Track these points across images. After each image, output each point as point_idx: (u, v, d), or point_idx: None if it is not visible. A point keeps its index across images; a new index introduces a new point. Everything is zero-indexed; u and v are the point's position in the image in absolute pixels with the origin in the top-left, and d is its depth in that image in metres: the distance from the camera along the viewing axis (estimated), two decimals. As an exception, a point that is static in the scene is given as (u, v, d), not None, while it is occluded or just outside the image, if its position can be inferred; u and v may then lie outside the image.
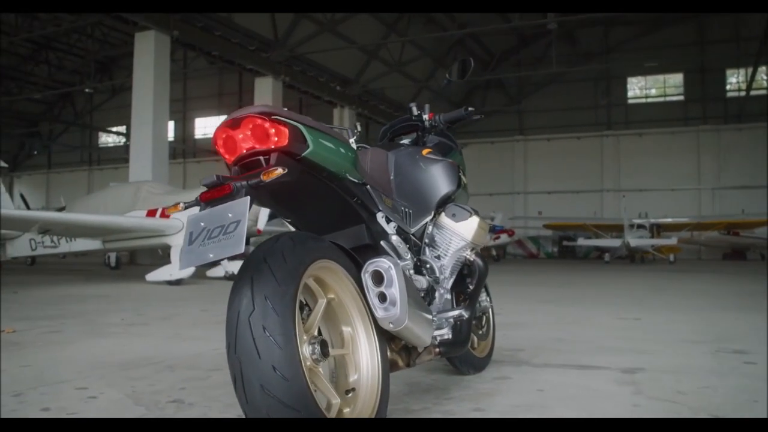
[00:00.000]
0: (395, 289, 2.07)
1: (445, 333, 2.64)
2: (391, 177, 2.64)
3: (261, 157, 1.92)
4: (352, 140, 2.93)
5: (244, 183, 1.80)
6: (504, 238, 25.37)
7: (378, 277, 2.10)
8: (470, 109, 3.01)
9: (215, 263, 1.72)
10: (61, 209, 12.92)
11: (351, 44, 24.92)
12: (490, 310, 3.52)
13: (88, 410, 2.64)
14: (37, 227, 10.52)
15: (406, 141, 3.20)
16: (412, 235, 2.61)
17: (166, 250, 11.84)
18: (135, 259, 19.44)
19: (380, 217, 2.32)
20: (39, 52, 30.44)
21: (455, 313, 2.60)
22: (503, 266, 20.51)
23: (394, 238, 2.29)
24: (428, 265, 2.72)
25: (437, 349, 2.62)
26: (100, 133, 38.77)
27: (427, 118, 3.13)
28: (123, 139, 35.60)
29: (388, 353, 2.34)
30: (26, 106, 35.26)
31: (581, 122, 32.70)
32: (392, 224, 2.38)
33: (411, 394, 2.92)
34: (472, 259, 2.85)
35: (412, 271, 2.38)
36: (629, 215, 23.43)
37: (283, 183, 1.96)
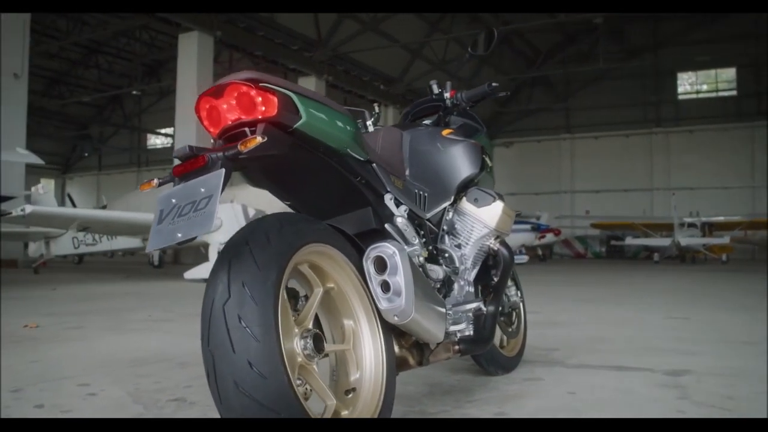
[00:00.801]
0: (400, 278, 1.85)
1: (465, 328, 2.41)
2: (405, 157, 2.41)
3: (247, 129, 1.71)
4: (369, 122, 2.73)
5: (219, 155, 1.59)
6: (550, 237, 24.82)
7: (381, 264, 1.88)
8: (494, 84, 2.76)
9: (188, 242, 1.51)
10: (103, 207, 13.02)
11: (394, 43, 24.74)
12: (521, 305, 3.26)
13: (83, 408, 2.48)
14: (76, 225, 10.57)
15: (427, 123, 2.96)
16: (428, 221, 2.38)
17: (208, 247, 11.81)
18: (179, 258, 19.58)
19: (388, 200, 2.09)
20: (89, 57, 31.01)
21: (473, 306, 2.35)
22: (548, 266, 20.05)
23: (400, 221, 2.06)
24: (446, 254, 2.49)
25: (456, 347, 2.39)
26: (149, 135, 39.36)
27: (448, 97, 2.89)
28: (171, 141, 36.06)
29: (397, 350, 2.11)
30: (77, 109, 35.99)
31: (629, 119, 31.89)
32: (403, 208, 2.15)
33: (430, 395, 2.68)
34: (496, 248, 2.60)
35: (423, 259, 2.15)
36: (679, 214, 22.69)
37: (275, 158, 1.76)
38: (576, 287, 10.08)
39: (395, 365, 2.05)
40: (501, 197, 2.63)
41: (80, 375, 3.08)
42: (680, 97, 32.02)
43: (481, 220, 2.56)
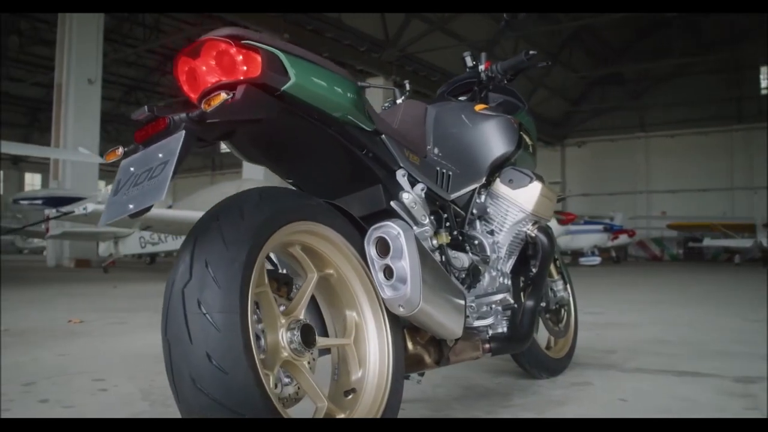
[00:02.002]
0: (405, 262, 1.60)
1: (496, 324, 2.14)
2: (428, 133, 2.16)
3: (224, 92, 1.49)
4: (400, 100, 2.50)
5: (183, 116, 1.38)
6: (623, 238, 23.92)
7: (383, 247, 1.64)
8: (531, 52, 2.47)
9: (142, 214, 1.31)
10: (169, 207, 13.19)
11: (462, 42, 24.37)
12: (570, 302, 2.96)
13: (87, 404, 2.33)
14: (139, 224, 10.67)
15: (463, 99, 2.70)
16: (453, 203, 2.12)
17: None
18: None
19: (401, 176, 1.85)
20: (164, 63, 31.83)
21: (498, 297, 2.08)
22: (621, 267, 19.27)
23: (407, 197, 1.80)
24: (476, 241, 2.22)
25: (487, 345, 2.12)
26: (221, 139, 40.02)
27: (483, 69, 2.62)
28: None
29: (410, 346, 1.87)
30: (153, 114, 36.95)
31: (707, 116, 30.44)
32: (419, 186, 1.90)
33: (463, 398, 2.42)
34: (534, 235, 2.32)
35: (439, 244, 1.89)
36: (762, 213, 21.48)
37: (264, 126, 1.56)
38: (646, 288, 9.54)
39: (405, 364, 1.81)
40: (540, 178, 2.34)
41: (100, 370, 2.95)
42: (764, 92, 30.39)
43: (517, 203, 2.29)
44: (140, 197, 1.30)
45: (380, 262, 1.63)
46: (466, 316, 1.93)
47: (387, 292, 1.63)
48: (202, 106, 1.35)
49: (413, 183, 1.90)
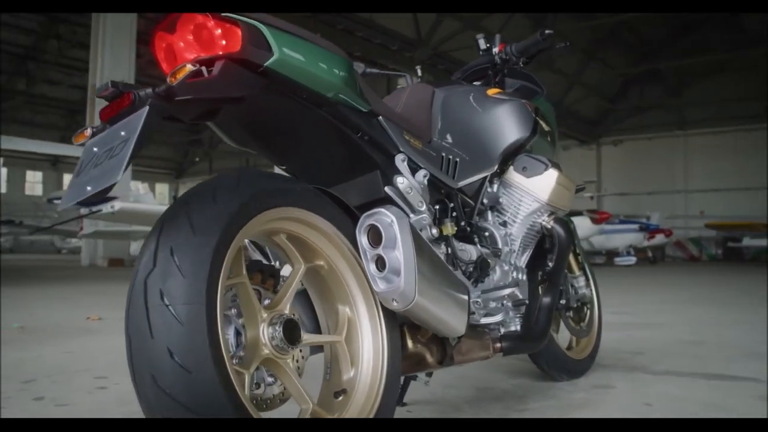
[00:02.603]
0: (399, 252, 1.47)
1: (507, 321, 2.00)
2: (434, 117, 2.03)
3: (204, 69, 1.38)
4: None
5: (148, 92, 1.27)
6: (660, 238, 23.35)
7: (376, 236, 1.50)
8: (547, 32, 2.30)
9: (102, 195, 1.19)
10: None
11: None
12: (594, 300, 2.79)
13: (82, 403, 2.25)
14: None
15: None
16: (460, 191, 1.98)
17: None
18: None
19: (400, 161, 1.72)
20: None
21: (505, 292, 1.93)
22: (657, 268, 18.79)
23: (401, 182, 1.66)
24: (486, 233, 2.08)
25: (498, 344, 1.98)
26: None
27: (497, 51, 2.47)
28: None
29: (411, 345, 1.73)
30: (188, 115, 37.32)
31: (748, 114, 29.59)
32: (421, 173, 1.77)
33: (475, 401, 2.28)
34: (549, 227, 2.17)
35: (435, 231, 1.75)
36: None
37: (248, 107, 1.45)
38: (682, 288, 9.23)
39: (404, 364, 1.68)
40: (556, 165, 2.19)
41: (103, 367, 2.87)
42: (808, 87, 29.46)
43: (531, 192, 2.14)
44: (99, 178, 1.19)
45: (372, 252, 1.50)
46: (472, 313, 1.80)
47: (380, 285, 1.50)
48: (168, 80, 1.24)
49: (414, 169, 1.77)
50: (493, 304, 1.92)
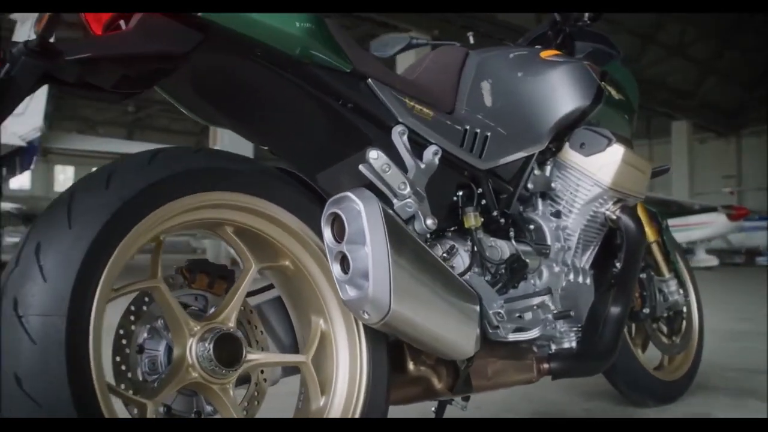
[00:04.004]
0: (367, 248, 1.11)
1: (558, 337, 1.60)
2: (464, 82, 1.64)
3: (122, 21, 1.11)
4: None
5: (20, 46, 0.99)
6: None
7: (340, 228, 1.16)
8: None
9: None
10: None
11: (620, 28, 22.82)
12: (692, 308, 2.30)
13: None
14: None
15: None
16: (491, 173, 1.58)
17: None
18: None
19: (397, 135, 1.36)
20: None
21: (536, 300, 1.49)
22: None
23: (375, 156, 1.28)
24: (531, 226, 1.67)
25: (545, 365, 1.57)
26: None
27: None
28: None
29: (412, 367, 1.36)
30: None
31: None
32: (431, 150, 1.40)
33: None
34: (615, 218, 1.73)
35: (430, 221, 1.34)
36: None
37: (192, 68, 1.18)
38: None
39: (400, 391, 1.33)
40: (624, 140, 1.75)
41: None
42: None
43: (589, 173, 1.71)
44: None
45: (335, 248, 1.15)
46: (495, 327, 1.40)
47: (346, 292, 1.15)
48: (34, 27, 0.97)
49: (423, 145, 1.40)
50: (529, 315, 1.51)
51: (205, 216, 1.15)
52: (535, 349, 1.60)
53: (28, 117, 6.83)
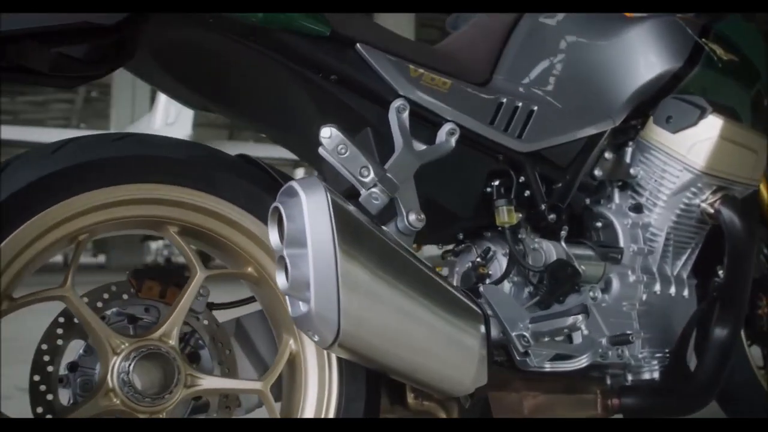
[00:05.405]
0: (309, 251, 0.87)
1: (638, 366, 1.26)
2: (510, 47, 1.33)
3: None
4: None
5: None
6: None
7: (282, 225, 0.93)
8: None
9: None
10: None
11: None
12: None
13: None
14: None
15: None
16: (537, 156, 1.26)
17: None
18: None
19: (395, 112, 1.10)
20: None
21: (568, 321, 1.12)
22: None
23: (326, 134, 1.00)
24: (598, 224, 1.34)
25: (616, 400, 1.24)
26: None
27: None
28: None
29: (411, 400, 1.09)
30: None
31: None
32: (447, 128, 1.13)
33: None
34: (712, 211, 1.34)
35: (413, 217, 1.04)
36: None
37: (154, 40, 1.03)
38: None
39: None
40: (726, 109, 1.35)
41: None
42: None
43: (677, 154, 1.33)
44: None
45: (277, 252, 0.92)
46: (524, 353, 1.10)
47: (291, 306, 0.92)
48: None
49: (435, 123, 1.14)
50: (578, 338, 1.17)
51: (139, 213, 0.98)
52: (605, 380, 1.27)
53: (179, 127, 7.21)
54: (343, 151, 0.99)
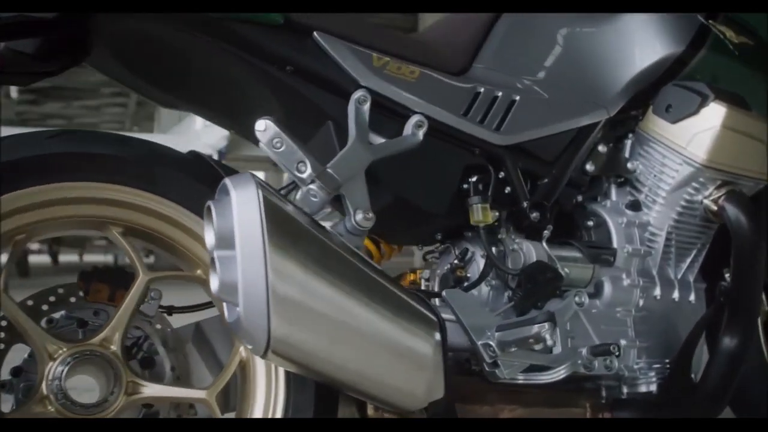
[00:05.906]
0: (237, 252, 0.82)
1: (630, 377, 1.17)
2: (495, 35, 1.25)
3: None
4: None
5: None
6: None
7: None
8: None
9: None
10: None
11: None
12: None
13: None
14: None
15: None
16: (518, 149, 1.18)
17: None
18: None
19: (355, 103, 1.03)
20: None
21: (532, 330, 1.02)
22: None
23: (262, 127, 0.93)
24: (589, 222, 1.25)
25: (606, 415, 1.16)
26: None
27: None
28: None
29: (373, 412, 1.02)
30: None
31: None
32: (414, 120, 1.06)
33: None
34: (715, 209, 1.23)
35: (360, 216, 0.96)
36: None
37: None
38: None
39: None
40: (730, 95, 1.24)
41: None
42: None
43: (676, 146, 1.22)
44: None
45: (210, 253, 0.87)
46: (492, 364, 1.01)
47: (227, 312, 0.87)
48: None
49: (402, 114, 1.07)
50: (557, 348, 1.08)
51: (77, 213, 0.94)
52: (600, 392, 1.18)
53: (217, 127, 7.21)
54: (278, 145, 0.93)
